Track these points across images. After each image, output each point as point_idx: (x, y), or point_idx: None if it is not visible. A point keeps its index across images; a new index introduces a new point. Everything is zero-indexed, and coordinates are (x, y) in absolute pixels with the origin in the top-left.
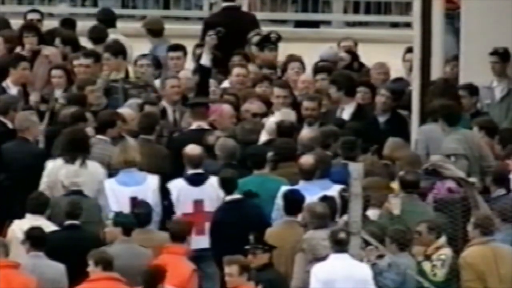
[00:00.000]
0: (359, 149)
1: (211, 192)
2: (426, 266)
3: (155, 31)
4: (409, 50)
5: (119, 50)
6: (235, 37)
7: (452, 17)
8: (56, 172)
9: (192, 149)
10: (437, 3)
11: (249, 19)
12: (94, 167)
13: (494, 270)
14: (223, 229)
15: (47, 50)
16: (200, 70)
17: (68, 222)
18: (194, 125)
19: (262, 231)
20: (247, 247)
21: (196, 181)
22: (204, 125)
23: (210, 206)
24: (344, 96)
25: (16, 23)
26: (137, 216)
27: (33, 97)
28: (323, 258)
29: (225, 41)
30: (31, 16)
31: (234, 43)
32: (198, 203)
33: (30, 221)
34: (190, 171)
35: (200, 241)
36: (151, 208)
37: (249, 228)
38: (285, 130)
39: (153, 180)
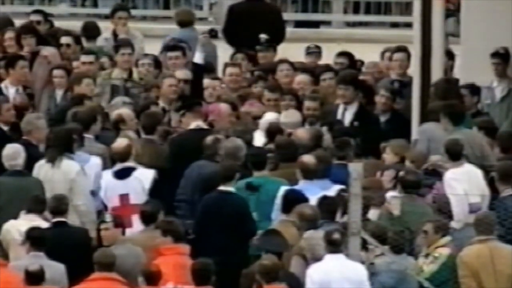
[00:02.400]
0: (352, 150)
1: (136, 185)
2: (420, 263)
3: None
4: (399, 49)
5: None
6: (258, 27)
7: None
8: (38, 171)
9: (119, 143)
10: (437, 3)
11: (272, 10)
12: (68, 166)
13: (490, 269)
14: (206, 216)
15: (46, 50)
16: (193, 68)
17: (55, 219)
18: (193, 125)
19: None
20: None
21: (121, 175)
22: (202, 124)
23: (135, 199)
24: (355, 96)
25: (16, 23)
26: (142, 214)
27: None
28: (321, 258)
29: (249, 32)
30: (33, 17)
31: (257, 34)
32: (123, 197)
33: (25, 221)
34: (117, 166)
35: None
36: (160, 207)
37: (230, 220)
38: (274, 131)
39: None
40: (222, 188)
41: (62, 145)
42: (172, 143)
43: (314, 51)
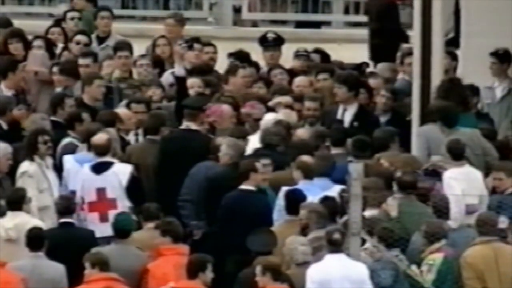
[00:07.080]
0: (369, 150)
1: (113, 179)
2: (416, 269)
3: None
4: (410, 53)
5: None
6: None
7: None
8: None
9: (99, 137)
10: (437, 3)
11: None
12: (19, 168)
13: (494, 270)
14: (230, 215)
15: (32, 63)
16: (176, 81)
17: (62, 220)
18: (183, 126)
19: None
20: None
21: (99, 169)
22: (192, 125)
23: (112, 193)
24: (352, 97)
25: (16, 24)
26: (143, 211)
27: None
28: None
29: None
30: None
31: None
32: (100, 191)
33: (11, 218)
34: (96, 160)
35: (106, 228)
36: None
37: (252, 219)
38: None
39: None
40: (244, 187)
41: (26, 148)
42: (161, 141)
43: (302, 54)
